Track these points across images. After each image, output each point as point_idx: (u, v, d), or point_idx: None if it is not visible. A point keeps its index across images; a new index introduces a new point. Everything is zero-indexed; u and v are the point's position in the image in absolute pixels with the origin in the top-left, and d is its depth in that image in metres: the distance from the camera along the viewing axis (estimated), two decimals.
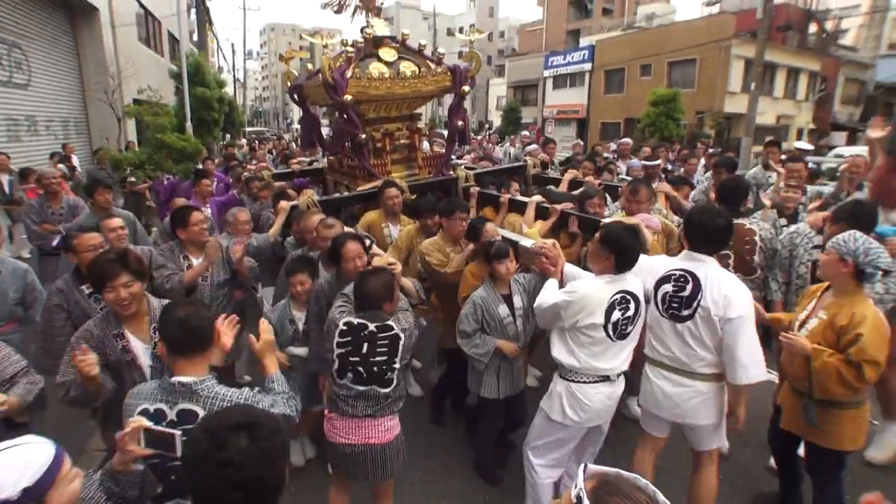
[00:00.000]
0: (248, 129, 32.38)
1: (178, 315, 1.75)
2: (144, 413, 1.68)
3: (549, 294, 2.59)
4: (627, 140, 8.81)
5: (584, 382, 2.51)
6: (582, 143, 12.60)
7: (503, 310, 2.96)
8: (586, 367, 2.49)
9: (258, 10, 39.05)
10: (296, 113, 78.78)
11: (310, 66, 4.76)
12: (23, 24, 9.94)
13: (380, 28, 4.89)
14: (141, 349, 2.28)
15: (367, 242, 3.07)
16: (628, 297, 2.48)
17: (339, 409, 2.43)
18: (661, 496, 0.92)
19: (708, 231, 2.53)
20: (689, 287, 2.50)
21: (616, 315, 2.45)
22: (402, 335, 2.37)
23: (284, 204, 4.28)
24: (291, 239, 4.06)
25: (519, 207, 4.28)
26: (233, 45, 35.54)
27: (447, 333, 3.65)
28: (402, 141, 5.19)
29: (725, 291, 2.43)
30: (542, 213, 4.03)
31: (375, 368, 2.34)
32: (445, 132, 5.96)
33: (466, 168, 5.51)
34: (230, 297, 3.53)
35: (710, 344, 2.48)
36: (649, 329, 2.70)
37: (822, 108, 27.34)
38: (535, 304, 2.67)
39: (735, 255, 3.57)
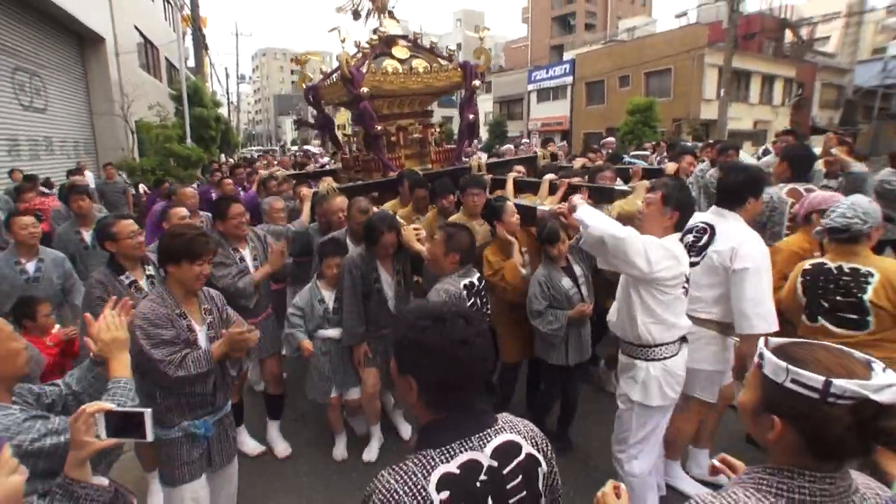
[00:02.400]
0: (243, 150, 33.71)
1: None
2: None
3: (613, 225, 2.31)
4: (611, 139, 9.91)
5: (675, 355, 2.47)
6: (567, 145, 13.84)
7: (567, 282, 3.12)
8: (675, 336, 2.46)
9: (250, 36, 40.67)
10: (288, 135, 79.89)
11: (323, 67, 5.12)
12: (41, 55, 11.23)
13: (392, 28, 5.31)
14: (198, 329, 2.27)
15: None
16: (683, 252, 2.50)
17: None
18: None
19: (727, 187, 2.72)
20: (705, 237, 2.69)
21: (684, 266, 2.43)
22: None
23: (307, 190, 4.49)
24: (315, 225, 4.26)
25: (527, 188, 4.55)
26: (226, 69, 37.15)
27: (506, 346, 3.56)
28: (415, 135, 5.48)
29: (734, 244, 2.56)
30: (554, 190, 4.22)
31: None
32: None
33: (479, 158, 5.78)
34: (269, 289, 3.64)
35: (705, 290, 2.66)
36: None
37: (800, 113, 28.79)
38: (596, 233, 2.31)
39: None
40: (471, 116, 5.45)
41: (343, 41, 4.81)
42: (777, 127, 28.57)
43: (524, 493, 1.16)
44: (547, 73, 32.46)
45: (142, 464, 3.02)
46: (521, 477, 1.16)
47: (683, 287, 2.42)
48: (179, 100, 14.03)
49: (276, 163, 11.17)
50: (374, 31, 5.26)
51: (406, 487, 1.06)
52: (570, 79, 30.34)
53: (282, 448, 3.61)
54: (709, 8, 26.09)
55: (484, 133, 27.96)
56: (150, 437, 1.28)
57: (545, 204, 3.71)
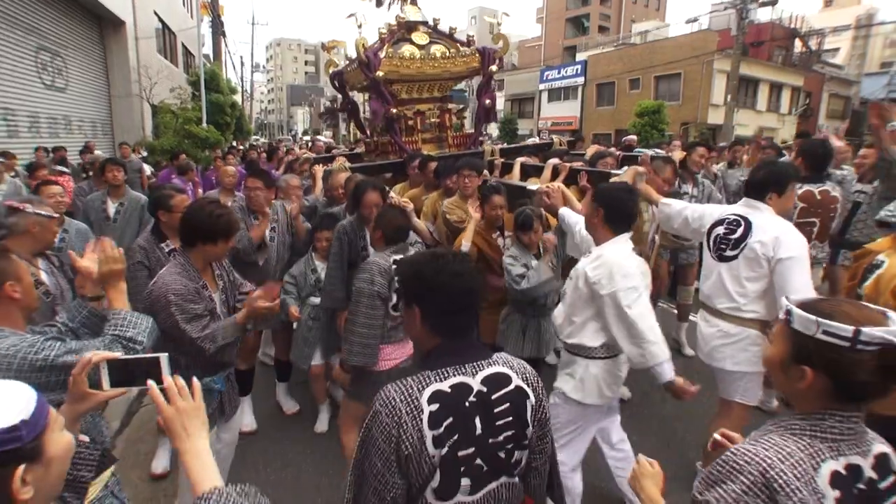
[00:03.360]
0: (254, 137, 34.01)
1: None
2: None
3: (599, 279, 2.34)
4: (633, 137, 10.22)
5: (616, 355, 2.44)
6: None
7: (533, 262, 3.10)
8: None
9: (266, 26, 40.86)
10: (300, 125, 80.00)
11: (348, 54, 5.31)
12: (63, 35, 11.45)
13: (413, 15, 5.39)
14: (215, 296, 2.36)
15: (387, 191, 3.32)
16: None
17: (387, 337, 2.59)
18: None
19: (753, 180, 2.73)
20: (741, 230, 2.62)
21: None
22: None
23: (318, 168, 4.79)
24: (324, 200, 4.44)
25: (534, 172, 4.56)
26: (241, 57, 37.31)
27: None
28: (433, 120, 5.54)
29: (776, 233, 2.51)
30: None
31: None
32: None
33: (493, 145, 5.92)
34: (290, 264, 3.77)
35: (747, 285, 2.57)
36: (703, 272, 2.88)
37: (807, 122, 28.71)
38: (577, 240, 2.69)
39: (820, 223, 3.60)
40: (487, 101, 5.49)
41: (360, 26, 4.94)
42: (783, 135, 28.56)
43: (511, 418, 1.34)
44: (559, 73, 32.48)
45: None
46: (508, 404, 1.33)
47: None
48: (196, 85, 14.25)
49: (307, 150, 11.57)
50: (396, 18, 5.36)
51: (402, 397, 1.27)
52: (581, 79, 30.36)
53: (290, 405, 3.92)
54: (720, 15, 26.06)
55: (494, 130, 28.08)
56: (166, 382, 1.13)
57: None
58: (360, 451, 1.33)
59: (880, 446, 1.09)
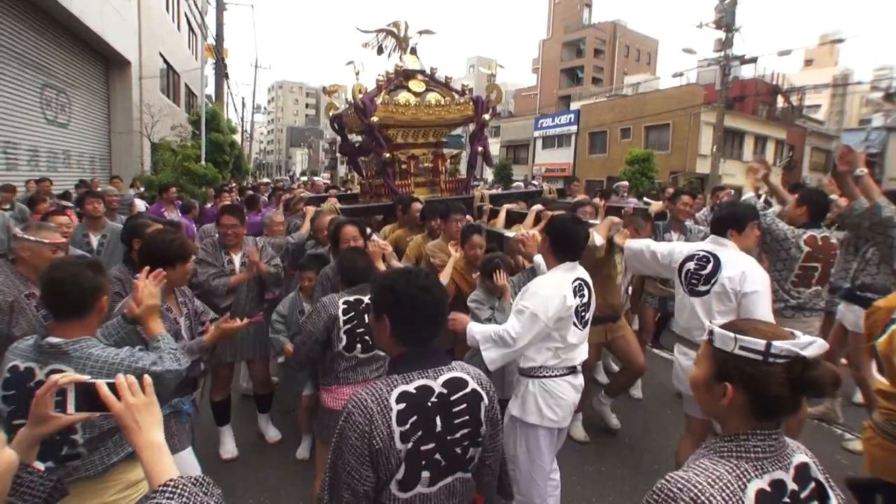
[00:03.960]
0: (251, 178, 34.44)
1: (52, 276, 1.73)
2: (13, 371, 1.65)
3: (524, 308, 2.44)
4: (625, 183, 10.58)
5: (557, 376, 2.52)
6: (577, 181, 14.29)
7: (487, 313, 3.12)
8: (562, 363, 2.52)
9: (269, 69, 42.06)
10: (298, 166, 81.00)
11: (349, 98, 5.38)
12: (70, 74, 11.71)
13: (411, 63, 5.62)
14: (181, 321, 2.42)
15: (368, 231, 3.36)
16: (583, 283, 2.57)
17: (345, 378, 2.60)
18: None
19: (716, 218, 2.95)
20: (710, 266, 2.77)
21: (576, 301, 2.49)
22: None
23: (309, 207, 4.77)
24: (312, 242, 4.45)
25: (519, 219, 4.58)
26: (243, 98, 38.35)
27: (441, 334, 4.04)
28: (426, 164, 5.71)
29: (742, 269, 2.67)
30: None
31: (369, 339, 2.54)
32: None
33: (483, 190, 5.95)
34: (262, 296, 3.83)
35: (718, 318, 2.66)
36: (676, 306, 3.01)
37: (791, 174, 29.44)
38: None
39: (822, 268, 3.59)
40: (479, 148, 5.65)
41: (357, 73, 5.12)
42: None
43: (467, 417, 1.50)
44: (553, 121, 33.38)
45: None
46: (465, 405, 1.50)
47: (575, 322, 2.49)
48: (197, 124, 14.52)
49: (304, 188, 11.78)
50: (394, 66, 5.56)
51: (373, 398, 1.41)
52: (574, 128, 31.17)
53: (272, 434, 3.92)
54: (706, 70, 27.09)
55: (489, 175, 28.60)
56: (117, 380, 1.14)
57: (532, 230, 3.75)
58: (333, 453, 1.44)
59: (800, 457, 1.13)
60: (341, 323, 2.53)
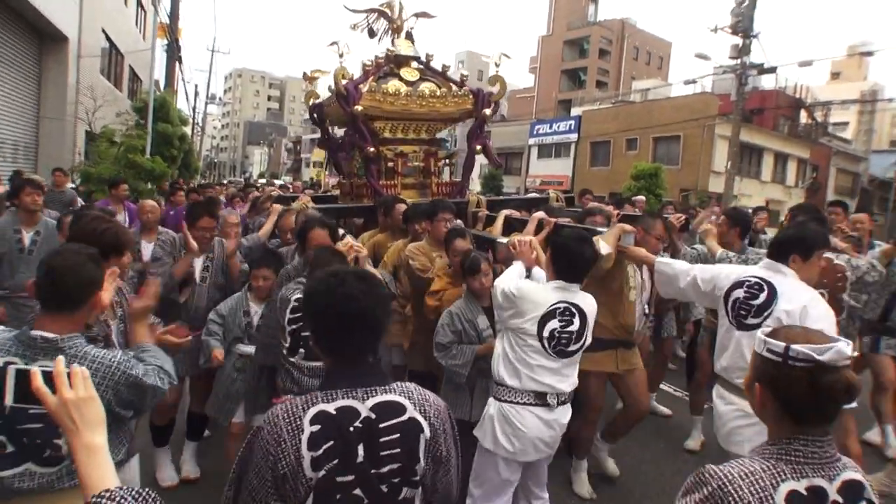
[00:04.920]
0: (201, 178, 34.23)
1: (52, 264, 1.77)
2: None
3: (505, 279, 2.80)
4: (642, 198, 10.83)
5: (519, 404, 2.62)
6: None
7: (483, 321, 3.18)
8: (524, 385, 2.64)
9: (227, 54, 42.08)
10: (256, 166, 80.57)
11: (331, 86, 5.35)
12: None
13: (405, 49, 5.58)
14: (112, 324, 2.44)
15: (341, 232, 3.40)
16: (573, 309, 2.67)
17: (295, 384, 2.69)
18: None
19: (777, 239, 2.89)
20: (764, 295, 2.66)
21: (554, 324, 2.62)
22: None
23: (276, 206, 4.75)
24: (277, 241, 4.57)
25: (520, 226, 4.51)
26: (196, 86, 38.19)
27: (416, 354, 3.88)
28: (417, 163, 5.67)
29: (804, 302, 2.58)
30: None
31: None
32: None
33: (479, 194, 6.07)
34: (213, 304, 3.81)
35: None
36: (718, 341, 2.92)
37: (815, 196, 30.36)
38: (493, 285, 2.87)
39: (829, 294, 3.62)
40: (478, 147, 5.68)
41: (341, 55, 5.12)
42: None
43: (398, 450, 1.44)
44: (551, 127, 34.10)
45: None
46: (397, 434, 1.45)
47: (545, 347, 2.62)
48: (142, 111, 14.53)
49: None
50: (385, 51, 5.60)
51: (285, 415, 1.41)
52: (574, 136, 31.89)
53: (191, 469, 3.77)
54: (724, 79, 28.04)
55: (476, 185, 28.89)
56: (55, 369, 1.12)
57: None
58: (238, 465, 1.47)
59: (853, 474, 1.28)
60: (286, 321, 2.62)
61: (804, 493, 1.21)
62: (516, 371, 2.65)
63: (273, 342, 3.07)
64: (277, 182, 16.13)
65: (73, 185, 9.41)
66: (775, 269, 2.75)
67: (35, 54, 13.81)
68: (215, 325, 3.45)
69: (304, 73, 5.85)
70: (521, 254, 3.03)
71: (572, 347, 2.68)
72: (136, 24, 22.16)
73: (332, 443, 1.39)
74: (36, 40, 13.70)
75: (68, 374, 1.12)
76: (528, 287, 2.71)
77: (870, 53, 30.73)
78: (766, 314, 2.64)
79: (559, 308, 2.63)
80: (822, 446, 1.27)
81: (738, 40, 19.93)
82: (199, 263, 3.70)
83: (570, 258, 2.68)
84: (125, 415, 1.91)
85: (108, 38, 17.92)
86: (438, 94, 5.41)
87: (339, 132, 6.43)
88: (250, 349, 3.39)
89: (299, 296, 2.61)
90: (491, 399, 2.75)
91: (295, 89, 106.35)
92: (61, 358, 1.17)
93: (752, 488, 1.20)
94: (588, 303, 2.77)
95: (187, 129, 19.83)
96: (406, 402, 1.49)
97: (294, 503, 1.38)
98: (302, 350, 2.63)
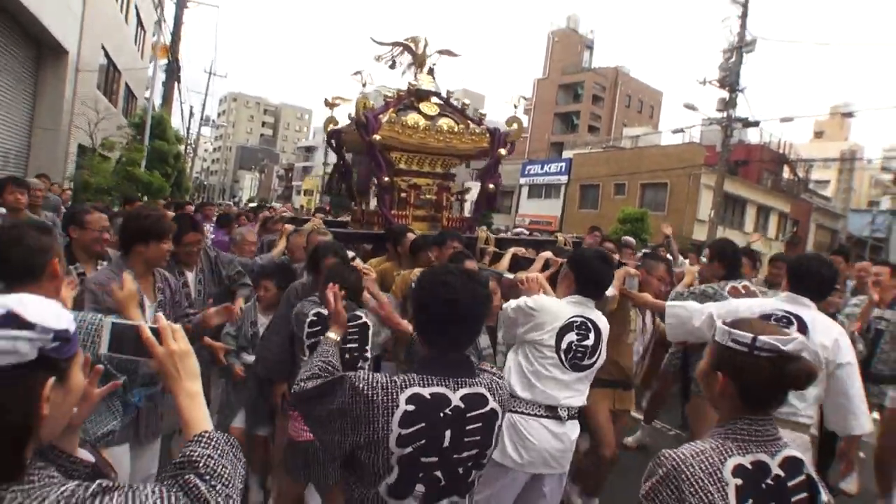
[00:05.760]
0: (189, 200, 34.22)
1: None
2: None
3: (517, 300, 2.91)
4: (632, 238, 11.05)
5: (530, 415, 2.69)
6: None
7: (484, 340, 3.19)
8: (535, 396, 2.71)
9: (224, 77, 42.72)
10: (246, 191, 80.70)
11: (352, 114, 5.43)
12: None
13: (426, 84, 5.75)
14: (148, 305, 2.58)
15: (351, 255, 3.51)
16: (589, 324, 2.77)
17: None
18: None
19: (814, 279, 2.84)
20: (794, 329, 2.66)
21: (571, 337, 2.72)
22: (369, 323, 2.86)
23: (288, 226, 4.90)
24: (287, 258, 4.60)
25: (526, 264, 4.56)
26: (191, 107, 38.43)
27: None
28: (429, 196, 5.79)
29: (835, 336, 2.68)
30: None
31: (347, 356, 2.72)
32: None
33: (490, 232, 6.17)
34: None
35: (809, 389, 2.95)
36: None
37: (794, 250, 31.06)
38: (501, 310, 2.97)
39: None
40: (491, 186, 5.76)
41: (364, 85, 5.36)
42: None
43: (479, 437, 1.61)
44: (542, 168, 34.78)
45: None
46: (480, 424, 1.61)
47: (562, 360, 2.70)
48: (139, 127, 14.71)
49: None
50: (408, 85, 5.77)
51: (382, 389, 1.54)
52: (565, 178, 32.49)
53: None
54: (712, 131, 28.91)
55: None
56: (160, 323, 1.26)
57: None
58: (325, 389, 1.63)
59: (793, 451, 1.43)
60: (304, 335, 2.72)
61: (749, 466, 1.36)
62: (529, 383, 2.72)
63: (269, 355, 3.16)
64: (271, 206, 16.45)
65: (61, 193, 9.52)
66: (800, 303, 2.81)
67: (33, 65, 14.00)
68: (230, 338, 3.53)
69: (326, 100, 5.93)
70: (529, 289, 3.09)
71: (587, 362, 2.77)
72: (135, 42, 22.50)
73: (423, 424, 1.51)
74: (34, 51, 13.91)
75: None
76: (546, 300, 2.81)
77: (851, 115, 31.90)
78: None
79: (576, 321, 2.73)
80: (765, 425, 1.41)
81: (725, 94, 20.70)
82: (192, 280, 3.73)
83: (591, 274, 2.79)
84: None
85: (106, 55, 18.19)
86: (456, 130, 5.55)
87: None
88: (251, 359, 3.47)
89: (317, 310, 2.75)
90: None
91: (289, 117, 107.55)
92: (161, 315, 1.31)
93: (702, 465, 1.34)
94: (602, 320, 2.87)
95: (182, 149, 20.04)
96: (488, 394, 1.64)
97: (374, 469, 1.51)
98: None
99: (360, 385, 1.54)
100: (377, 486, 1.53)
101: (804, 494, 1.39)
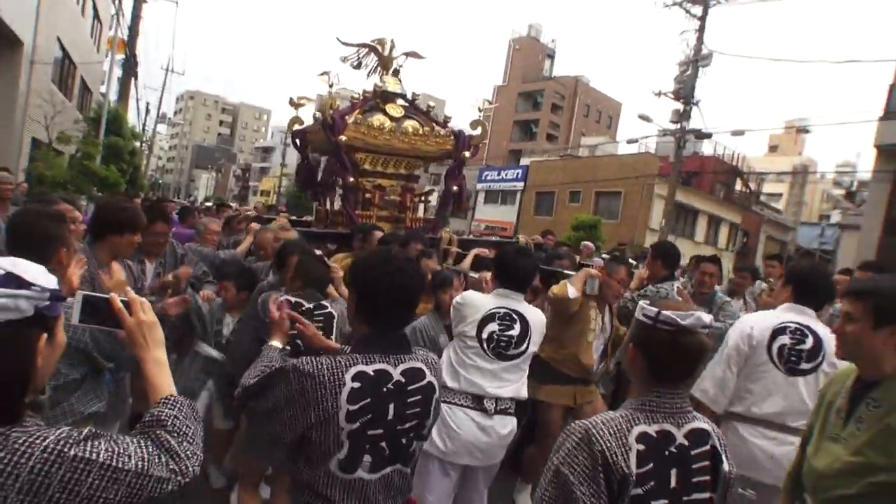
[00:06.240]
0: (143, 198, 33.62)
1: (10, 221, 1.94)
2: None
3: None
4: (590, 244, 11.59)
5: (457, 405, 2.83)
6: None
7: (444, 339, 3.30)
8: (461, 385, 2.86)
9: (182, 75, 42.14)
10: (202, 190, 79.33)
11: (318, 114, 5.60)
12: None
13: (392, 85, 5.93)
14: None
15: (318, 253, 3.51)
16: (514, 315, 2.93)
17: None
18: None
19: (815, 287, 2.94)
20: (811, 340, 2.79)
21: (493, 327, 2.88)
22: (335, 313, 2.96)
23: (255, 225, 4.97)
24: (253, 258, 4.67)
25: (489, 265, 4.55)
26: (147, 104, 37.64)
27: None
28: (393, 197, 5.99)
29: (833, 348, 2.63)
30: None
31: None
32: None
33: (452, 233, 6.31)
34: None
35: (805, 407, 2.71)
36: (748, 384, 2.91)
37: (744, 260, 32.64)
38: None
39: None
40: (454, 188, 6.01)
41: (331, 86, 5.57)
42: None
43: (419, 409, 1.78)
44: (499, 174, 35.70)
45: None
46: (420, 396, 1.77)
47: (485, 349, 2.87)
48: (95, 122, 14.84)
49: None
50: (374, 87, 5.97)
51: (329, 368, 1.67)
52: (521, 184, 33.42)
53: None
54: (666, 142, 30.16)
55: None
56: (129, 296, 1.40)
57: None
58: (272, 392, 1.73)
59: (701, 424, 1.56)
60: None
61: (654, 434, 1.49)
62: (456, 373, 2.86)
63: (239, 354, 3.13)
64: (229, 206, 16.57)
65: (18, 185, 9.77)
66: (806, 314, 2.88)
67: None
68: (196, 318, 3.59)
69: (291, 99, 6.10)
70: (489, 289, 3.25)
71: (511, 351, 2.91)
72: (92, 35, 22.37)
73: (368, 399, 1.64)
74: None
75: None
76: (472, 295, 3.01)
77: (806, 130, 33.64)
78: (819, 358, 2.79)
79: (499, 312, 2.89)
80: (674, 398, 1.54)
81: (680, 106, 21.70)
82: (150, 271, 3.73)
83: (511, 268, 3.00)
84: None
85: (62, 47, 18.14)
86: (421, 132, 5.77)
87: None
88: (214, 352, 3.56)
89: (286, 297, 2.85)
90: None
91: (248, 116, 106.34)
92: (129, 289, 1.48)
93: (610, 430, 1.47)
94: (532, 314, 3.03)
95: (137, 145, 20.09)
96: (425, 368, 1.80)
97: (324, 448, 1.64)
98: (287, 348, 2.80)
99: (308, 368, 1.65)
100: (327, 464, 1.65)
101: (706, 462, 1.51)
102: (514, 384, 2.96)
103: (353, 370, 1.66)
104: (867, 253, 15.36)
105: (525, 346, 2.96)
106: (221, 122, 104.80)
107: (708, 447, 1.53)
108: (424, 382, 1.78)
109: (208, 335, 3.57)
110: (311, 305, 2.91)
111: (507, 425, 2.94)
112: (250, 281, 3.71)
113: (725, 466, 1.55)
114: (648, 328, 1.53)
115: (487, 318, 2.88)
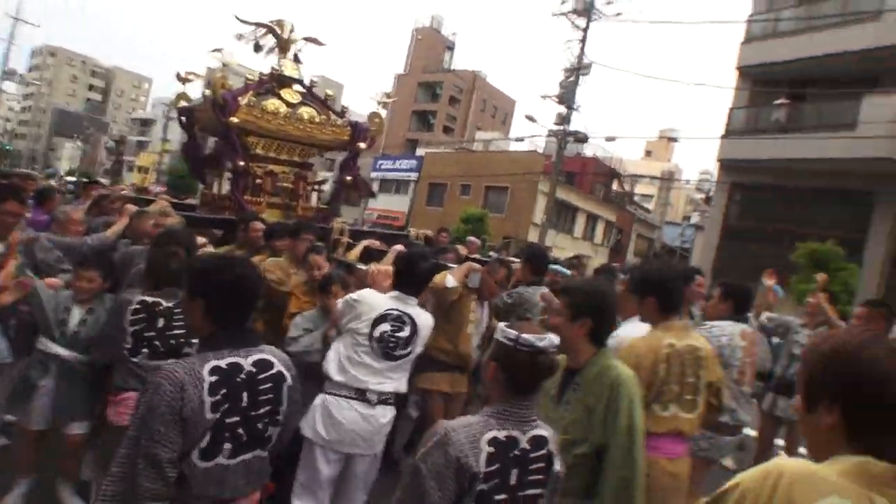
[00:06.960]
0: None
1: None
2: None
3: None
4: (475, 239, 12.42)
5: (340, 396, 2.99)
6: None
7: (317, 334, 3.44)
8: (347, 380, 2.99)
9: (38, 27, 38.45)
10: (65, 161, 72.83)
11: (207, 92, 5.38)
12: None
13: (289, 70, 5.88)
14: None
15: (202, 241, 3.59)
16: (406, 318, 3.09)
17: (140, 383, 2.65)
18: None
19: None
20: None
21: (385, 327, 3.03)
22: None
23: (130, 207, 4.46)
24: (128, 241, 4.28)
25: (380, 257, 4.61)
26: None
27: None
28: (286, 184, 5.95)
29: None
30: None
31: (173, 342, 2.82)
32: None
33: (344, 223, 6.25)
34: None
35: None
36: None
37: (617, 256, 36.02)
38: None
39: (751, 363, 3.97)
40: (348, 178, 6.17)
41: (224, 65, 5.66)
42: (595, 263, 35.30)
43: (271, 396, 1.93)
44: (394, 163, 36.76)
45: None
46: (270, 384, 1.93)
47: (373, 348, 3.01)
48: None
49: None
50: (270, 69, 5.90)
51: (184, 369, 1.77)
52: (415, 175, 34.67)
53: None
54: (554, 141, 32.42)
55: None
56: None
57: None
58: (136, 425, 1.72)
59: (543, 432, 1.82)
60: (127, 323, 2.77)
61: (503, 439, 1.72)
62: (343, 368, 3.00)
63: (109, 341, 2.99)
64: (99, 180, 14.51)
65: None
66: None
67: None
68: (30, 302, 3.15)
69: (178, 74, 5.88)
70: (375, 282, 3.40)
71: (399, 352, 3.07)
72: None
73: (225, 390, 1.78)
74: None
75: None
76: (368, 293, 3.12)
77: (675, 139, 37.58)
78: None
79: (392, 314, 3.05)
80: (522, 409, 1.78)
81: (563, 109, 23.69)
82: None
83: (410, 273, 3.16)
84: None
85: None
86: (317, 120, 5.82)
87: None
88: (65, 352, 3.09)
89: (141, 298, 2.82)
90: (320, 394, 3.05)
91: (124, 83, 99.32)
92: None
93: (465, 434, 1.70)
94: (423, 318, 3.19)
95: None
96: (273, 359, 1.97)
97: (191, 441, 1.74)
98: (146, 350, 2.80)
99: (167, 372, 1.75)
100: (189, 455, 1.74)
101: (542, 464, 1.78)
102: (395, 381, 3.16)
103: (207, 366, 1.79)
104: (709, 252, 18.20)
105: (411, 348, 3.15)
106: (92, 87, 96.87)
107: (545, 451, 1.80)
108: (274, 371, 1.95)
109: (51, 328, 3.11)
110: (170, 304, 2.82)
111: (387, 415, 3.13)
112: (108, 270, 3.35)
113: (556, 467, 1.83)
114: (509, 349, 1.75)
115: (381, 318, 3.03)
